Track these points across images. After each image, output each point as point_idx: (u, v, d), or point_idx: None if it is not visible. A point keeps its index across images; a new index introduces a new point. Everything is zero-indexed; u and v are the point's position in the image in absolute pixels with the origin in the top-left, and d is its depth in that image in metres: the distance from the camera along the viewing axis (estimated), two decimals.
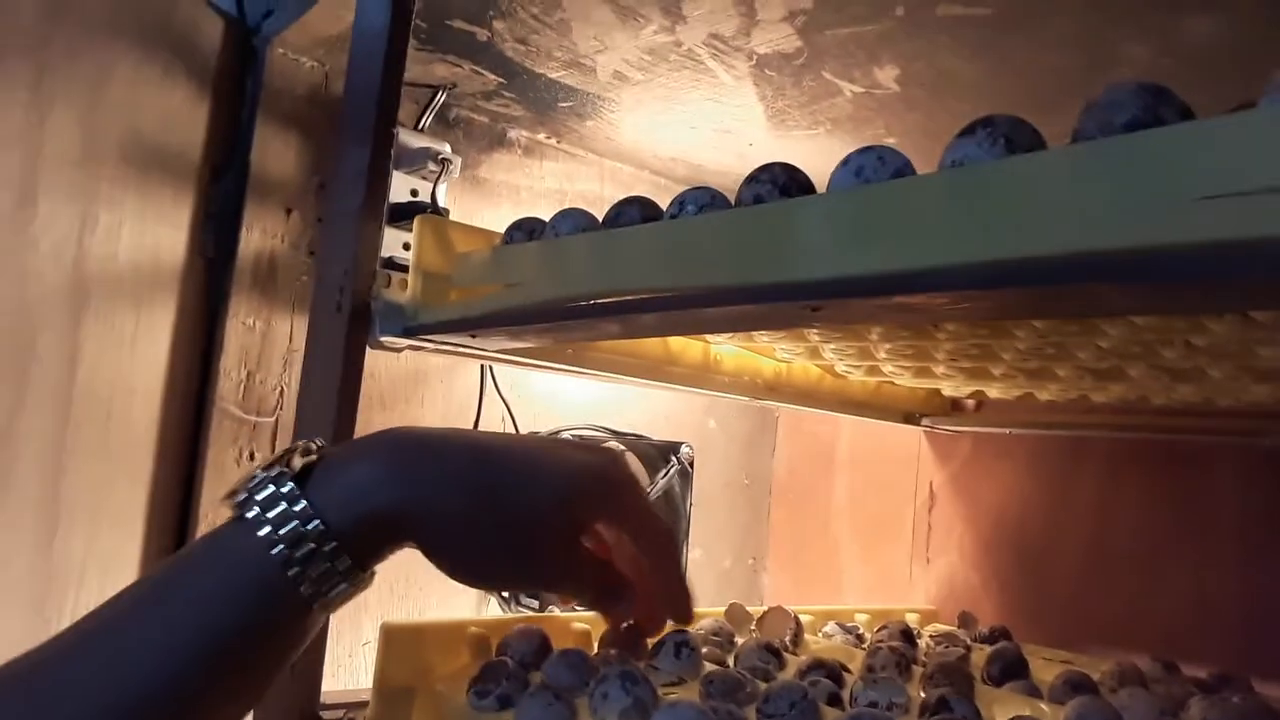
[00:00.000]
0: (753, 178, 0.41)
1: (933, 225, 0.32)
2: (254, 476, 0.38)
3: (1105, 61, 0.68)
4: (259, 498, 0.37)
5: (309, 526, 0.36)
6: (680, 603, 0.48)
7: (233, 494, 0.38)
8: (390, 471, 0.39)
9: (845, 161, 0.36)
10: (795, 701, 0.53)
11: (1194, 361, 0.59)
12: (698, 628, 0.73)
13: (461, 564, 0.41)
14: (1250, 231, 0.27)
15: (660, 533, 0.46)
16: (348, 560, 0.37)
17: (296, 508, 0.36)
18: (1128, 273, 0.28)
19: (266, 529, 0.36)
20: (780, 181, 0.39)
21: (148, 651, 0.35)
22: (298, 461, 0.38)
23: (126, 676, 0.34)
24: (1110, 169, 0.28)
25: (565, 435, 0.97)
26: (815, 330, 0.64)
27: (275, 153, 0.85)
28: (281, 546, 0.36)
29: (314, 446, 0.40)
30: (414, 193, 0.87)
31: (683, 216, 0.44)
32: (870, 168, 0.35)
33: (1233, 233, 0.27)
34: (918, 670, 0.67)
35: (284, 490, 0.37)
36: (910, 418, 1.00)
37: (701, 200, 0.44)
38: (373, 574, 0.40)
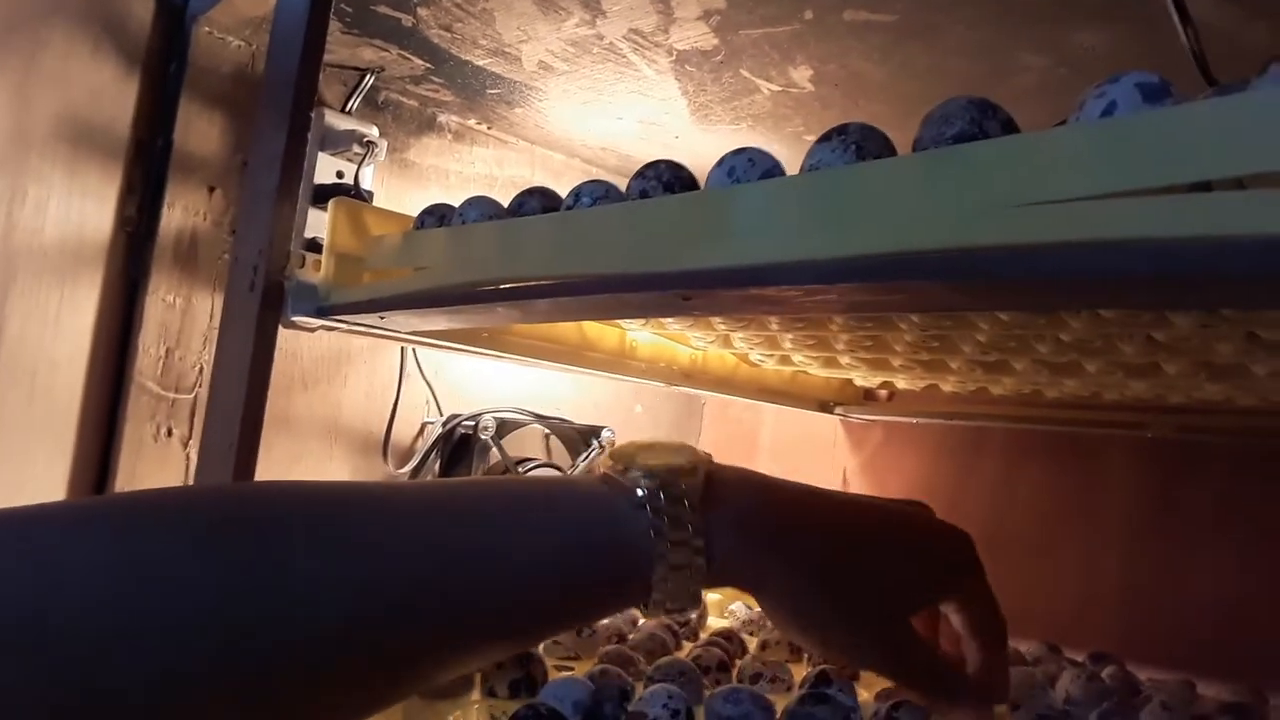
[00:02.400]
0: (640, 174, 0.43)
1: (789, 224, 0.34)
2: (661, 470, 0.38)
3: (1004, 69, 0.72)
4: (664, 495, 0.37)
5: (694, 543, 0.37)
6: (999, 693, 0.46)
7: (639, 470, 0.38)
8: (759, 525, 0.39)
9: (720, 162, 0.39)
10: (685, 670, 0.56)
11: (1068, 356, 0.62)
12: None
13: (799, 628, 0.41)
14: (1064, 235, 0.30)
15: (999, 622, 0.45)
16: (700, 585, 0.38)
17: (692, 525, 0.37)
18: (954, 271, 0.31)
19: (658, 525, 0.36)
20: (665, 178, 0.42)
21: (485, 555, 0.34)
22: (700, 473, 0.39)
23: (456, 566, 0.33)
24: (940, 176, 0.31)
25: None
26: (720, 319, 0.67)
27: (199, 131, 0.85)
28: (664, 548, 0.36)
29: (706, 457, 0.41)
30: (339, 174, 0.88)
31: (577, 208, 0.46)
32: (741, 168, 0.38)
33: (1048, 236, 0.30)
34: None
35: (689, 502, 0.37)
36: (825, 406, 1.03)
37: (596, 193, 0.46)
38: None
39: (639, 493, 0.37)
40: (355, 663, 0.31)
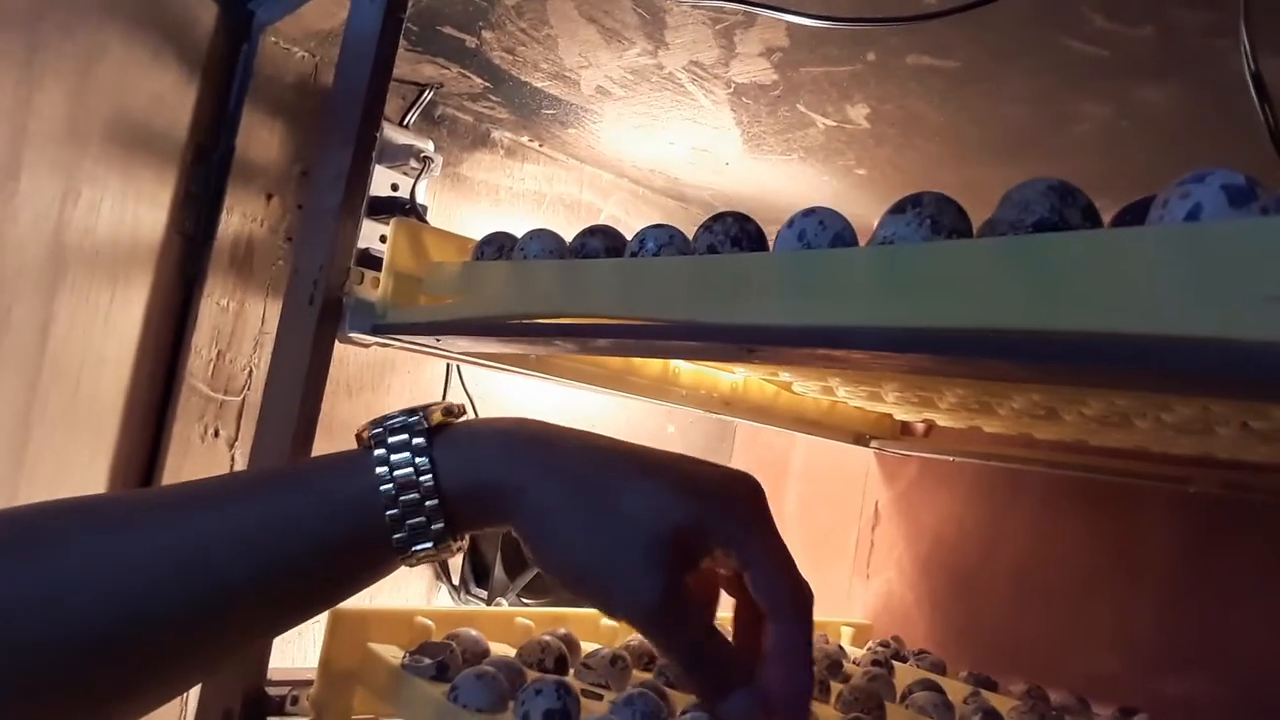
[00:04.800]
0: (708, 226, 0.43)
1: (858, 292, 0.35)
2: (394, 416, 0.39)
3: (1063, 117, 0.72)
4: (391, 440, 0.38)
5: (421, 478, 0.37)
6: (797, 680, 0.36)
7: (371, 424, 0.39)
8: (505, 450, 0.38)
9: (790, 223, 0.39)
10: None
11: (1119, 414, 0.62)
12: (630, 640, 0.76)
13: (553, 554, 0.37)
14: (1140, 327, 0.30)
15: (793, 577, 0.37)
16: (442, 522, 0.37)
17: (419, 459, 0.37)
18: (1028, 352, 0.31)
19: (385, 467, 0.37)
20: (732, 234, 0.42)
21: (228, 542, 0.36)
22: (437, 417, 0.39)
23: (201, 559, 0.35)
24: (1019, 263, 0.31)
25: None
26: None
27: (260, 139, 0.87)
28: (390, 486, 0.37)
29: (456, 409, 0.41)
30: (394, 187, 0.89)
31: (642, 254, 0.46)
32: (811, 231, 0.38)
33: (1120, 326, 0.30)
34: (842, 687, 0.71)
35: (415, 440, 0.38)
36: (861, 439, 1.03)
37: (661, 240, 0.46)
38: (459, 544, 0.39)
39: (375, 451, 0.38)
40: (112, 664, 0.35)
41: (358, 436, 0.39)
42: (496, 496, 0.38)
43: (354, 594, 0.40)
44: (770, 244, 0.42)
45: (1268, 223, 0.27)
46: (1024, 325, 0.31)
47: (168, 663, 0.36)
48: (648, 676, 0.66)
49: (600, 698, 0.63)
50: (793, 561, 0.37)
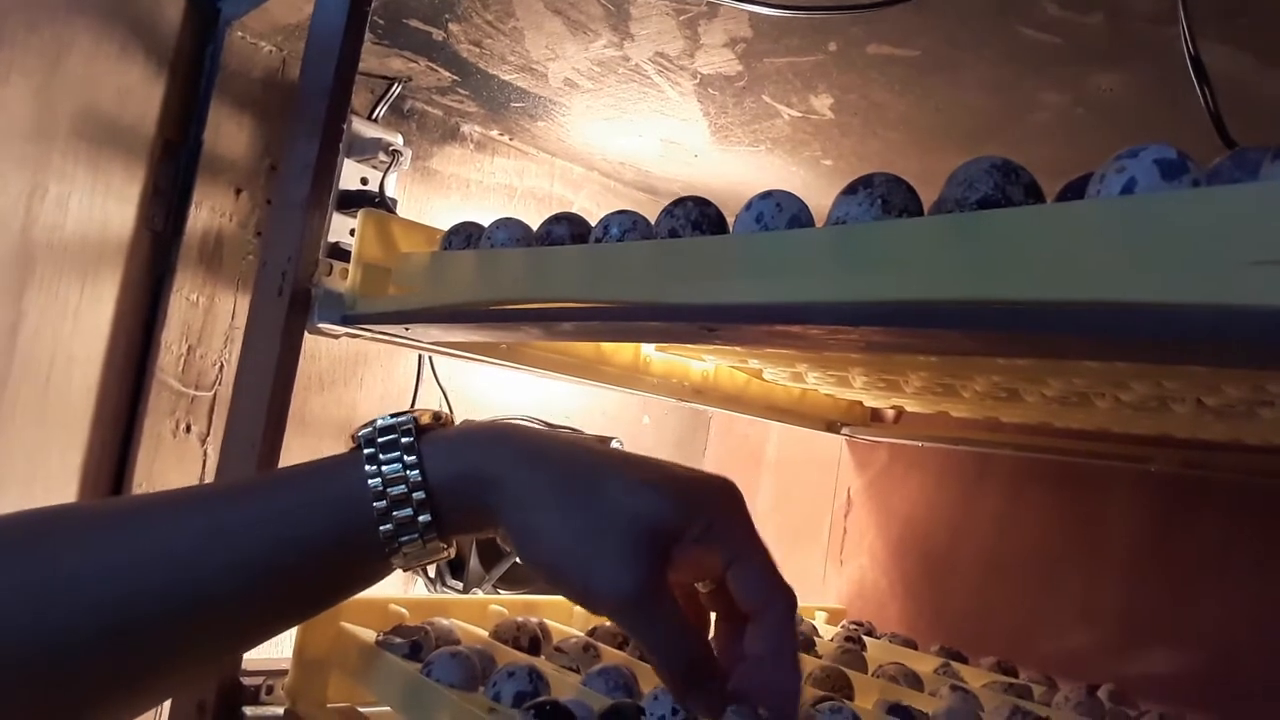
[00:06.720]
0: (669, 211, 0.44)
1: (813, 270, 0.36)
2: (385, 417, 0.40)
3: (1022, 106, 0.73)
4: (380, 440, 0.39)
5: (409, 472, 0.38)
6: (786, 680, 0.36)
7: (361, 426, 0.40)
8: (491, 443, 0.39)
9: (749, 206, 0.40)
10: (676, 708, 0.57)
11: (1077, 394, 0.64)
12: (599, 625, 0.76)
13: (534, 542, 0.38)
14: (1065, 295, 0.31)
15: (773, 573, 0.37)
16: (428, 514, 0.38)
17: (408, 456, 0.38)
18: (971, 321, 0.32)
19: (373, 465, 0.38)
20: (693, 217, 0.43)
21: (216, 543, 0.36)
22: (426, 419, 0.40)
23: (188, 560, 0.36)
24: (960, 238, 0.32)
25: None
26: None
27: (228, 133, 0.87)
28: (378, 481, 0.38)
29: (444, 417, 0.42)
30: (364, 181, 0.89)
31: (606, 240, 0.47)
32: (769, 213, 0.39)
33: (1062, 295, 0.31)
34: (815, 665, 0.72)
35: (404, 438, 0.39)
36: (832, 426, 1.04)
37: (624, 225, 0.47)
38: (448, 547, 0.40)
39: (365, 449, 0.39)
40: (96, 665, 0.35)
41: (351, 439, 0.40)
42: (481, 486, 0.38)
43: (344, 598, 0.41)
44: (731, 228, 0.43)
45: (1198, 194, 0.28)
46: (969, 296, 0.32)
47: (155, 665, 0.37)
48: (621, 655, 0.67)
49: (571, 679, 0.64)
50: (766, 550, 0.38)
